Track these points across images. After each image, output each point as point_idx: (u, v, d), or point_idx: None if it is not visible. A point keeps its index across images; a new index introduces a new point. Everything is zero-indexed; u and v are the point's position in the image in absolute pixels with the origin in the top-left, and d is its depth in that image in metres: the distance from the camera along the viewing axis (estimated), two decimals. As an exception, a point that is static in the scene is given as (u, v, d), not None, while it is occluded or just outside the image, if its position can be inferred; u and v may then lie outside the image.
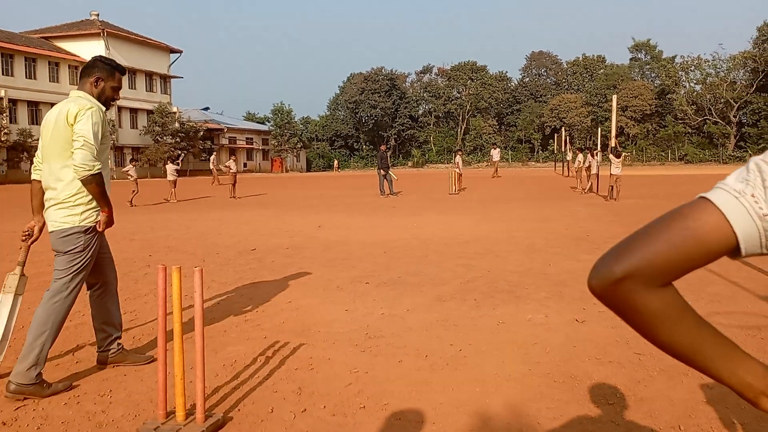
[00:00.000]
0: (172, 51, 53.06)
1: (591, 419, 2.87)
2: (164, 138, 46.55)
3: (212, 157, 31.77)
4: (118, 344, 3.73)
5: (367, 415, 2.96)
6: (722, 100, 54.45)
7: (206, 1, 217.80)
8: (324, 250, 8.41)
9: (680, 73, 57.61)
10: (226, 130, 55.94)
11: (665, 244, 0.72)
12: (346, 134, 69.70)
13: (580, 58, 69.58)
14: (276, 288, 5.96)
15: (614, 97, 18.77)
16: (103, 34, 45.18)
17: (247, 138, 60.56)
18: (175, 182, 19.47)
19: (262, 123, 68.43)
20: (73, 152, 3.29)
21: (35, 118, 42.11)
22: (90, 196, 3.39)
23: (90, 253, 3.47)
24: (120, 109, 46.58)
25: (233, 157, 23.36)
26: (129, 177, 18.47)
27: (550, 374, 3.46)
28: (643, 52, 66.71)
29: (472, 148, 64.89)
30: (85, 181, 3.31)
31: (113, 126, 44.10)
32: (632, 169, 39.28)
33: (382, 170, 20.01)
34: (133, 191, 17.65)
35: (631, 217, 11.83)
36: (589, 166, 19.65)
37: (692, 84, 57.60)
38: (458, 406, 3.04)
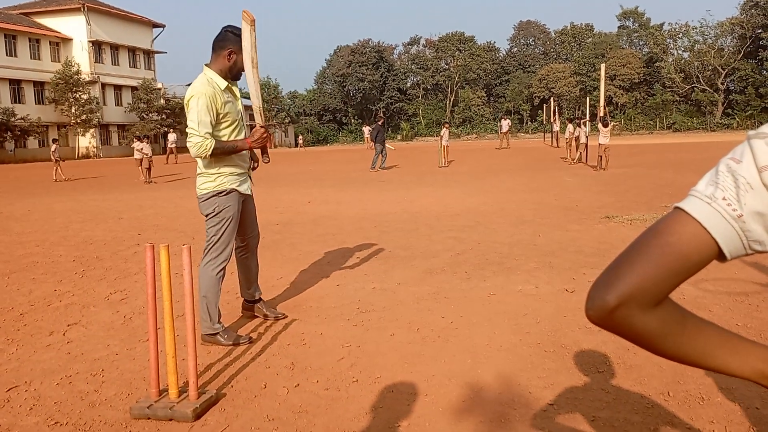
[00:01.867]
0: (155, 25, 52.13)
1: (581, 387, 2.91)
2: (150, 115, 45.99)
3: (171, 137, 30.79)
4: (260, 299, 4.16)
5: (360, 389, 2.98)
6: (710, 68, 54.42)
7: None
8: (314, 225, 8.40)
9: (668, 40, 57.42)
10: (212, 106, 55.32)
11: (650, 266, 0.72)
12: (334, 108, 69.16)
13: (569, 27, 69.13)
14: (267, 264, 5.95)
15: (602, 66, 18.66)
16: (84, 9, 44.25)
17: (234, 113, 59.97)
18: (141, 161, 18.61)
19: (249, 98, 67.71)
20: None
21: (17, 97, 41.43)
22: (220, 164, 3.62)
23: (229, 216, 3.66)
24: (104, 86, 45.87)
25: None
26: (145, 155, 18.42)
27: (540, 344, 3.50)
28: (632, 20, 66.32)
29: (461, 120, 64.66)
30: (210, 158, 3.57)
31: (97, 104, 43.46)
32: (621, 138, 39.36)
33: (378, 144, 19.81)
34: (146, 168, 18.03)
35: (620, 186, 11.88)
36: (578, 136, 19.64)
37: (680, 51, 57.51)
38: (450, 378, 3.07)
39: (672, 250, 0.72)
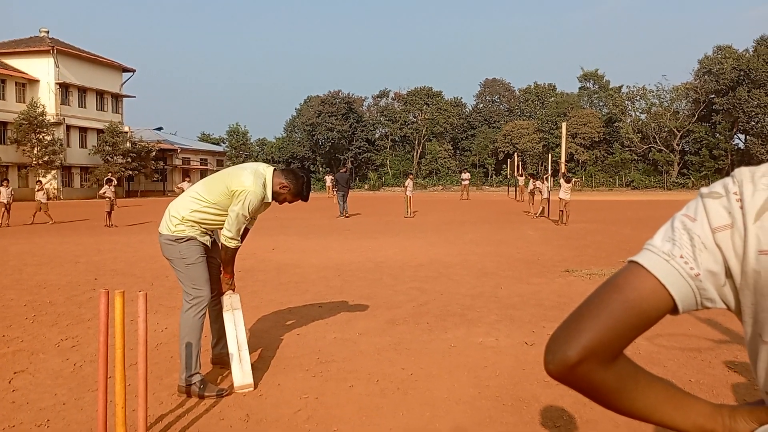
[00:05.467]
0: (125, 70, 52.06)
1: (538, 442, 2.90)
2: (115, 158, 45.41)
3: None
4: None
5: (316, 442, 2.92)
6: (666, 129, 56.61)
7: (162, 21, 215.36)
8: (277, 273, 8.32)
9: (626, 102, 59.71)
10: (179, 151, 55.02)
11: (611, 321, 0.73)
12: (302, 156, 69.40)
13: (532, 86, 71.44)
14: (226, 312, 5.84)
15: (564, 125, 19.33)
16: (53, 52, 44.05)
17: (201, 159, 59.72)
18: (46, 205, 19.34)
19: (217, 144, 67.67)
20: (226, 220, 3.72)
21: (-20, 137, 40.51)
22: (195, 218, 3.71)
23: (191, 261, 3.66)
24: (69, 127, 45.29)
25: (187, 179, 23.04)
26: (108, 198, 18.04)
27: (499, 397, 3.49)
28: (592, 82, 68.97)
29: (428, 171, 65.55)
30: (225, 248, 3.75)
31: (60, 145, 42.78)
32: (581, 194, 40.33)
33: (341, 192, 19.97)
34: (108, 212, 17.58)
35: (580, 240, 12.12)
36: (541, 191, 20.08)
37: (638, 113, 59.76)
38: None
39: (632, 305, 0.73)
